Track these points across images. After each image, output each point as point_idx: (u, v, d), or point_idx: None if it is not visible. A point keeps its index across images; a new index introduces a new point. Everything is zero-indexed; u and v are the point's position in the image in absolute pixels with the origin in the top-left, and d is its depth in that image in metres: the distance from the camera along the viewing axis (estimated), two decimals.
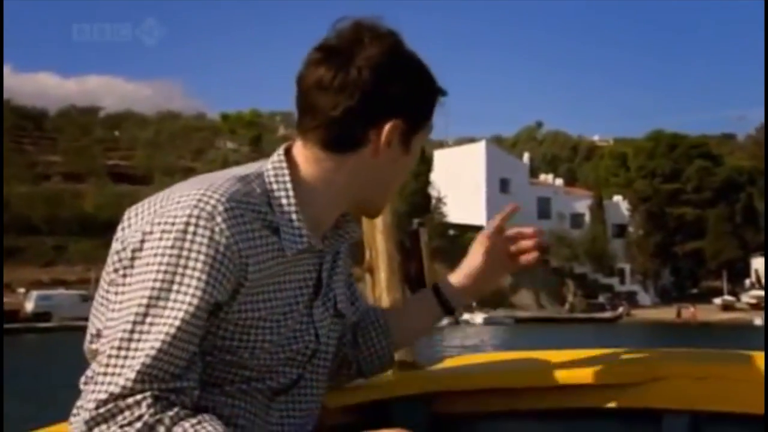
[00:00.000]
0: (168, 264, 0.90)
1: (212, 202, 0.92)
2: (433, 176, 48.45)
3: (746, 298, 51.12)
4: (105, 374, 0.89)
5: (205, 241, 0.90)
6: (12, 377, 11.40)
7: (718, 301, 51.00)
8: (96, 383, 0.89)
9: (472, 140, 55.92)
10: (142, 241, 0.92)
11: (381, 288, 1.35)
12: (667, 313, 48.01)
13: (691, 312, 47.04)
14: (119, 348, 0.89)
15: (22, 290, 36.21)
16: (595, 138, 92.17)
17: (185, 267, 0.90)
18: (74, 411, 1.01)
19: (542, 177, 62.26)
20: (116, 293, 0.94)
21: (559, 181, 61.43)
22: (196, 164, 52.43)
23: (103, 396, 0.88)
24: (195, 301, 0.90)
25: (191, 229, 0.91)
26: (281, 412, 1.04)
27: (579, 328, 35.63)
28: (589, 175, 66.85)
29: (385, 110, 0.99)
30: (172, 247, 0.90)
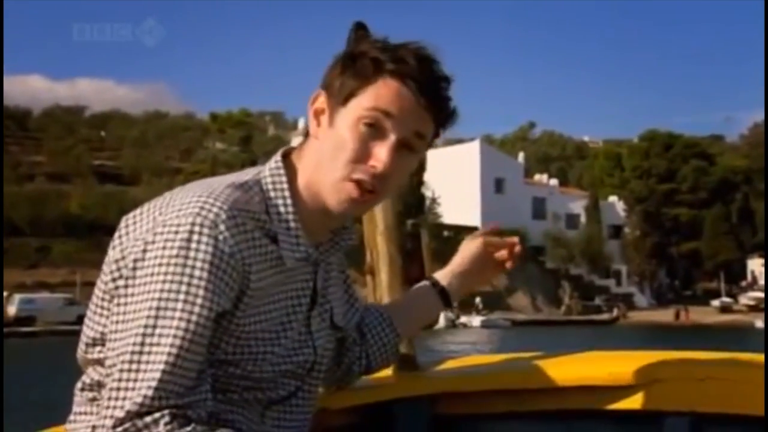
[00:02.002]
0: (173, 273, 0.91)
1: (215, 210, 0.93)
2: (427, 176, 48.52)
3: (744, 299, 51.37)
4: (119, 389, 0.90)
5: (210, 249, 0.91)
6: None
7: (716, 303, 51.25)
8: (110, 398, 0.90)
9: (460, 141, 55.91)
10: (144, 251, 0.93)
11: (382, 290, 1.38)
12: (664, 315, 48.22)
13: (684, 313, 47.33)
14: (131, 362, 0.90)
15: (4, 293, 35.96)
16: (585, 139, 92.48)
17: (191, 276, 0.91)
18: (71, 417, 1.03)
19: (537, 177, 62.43)
20: (118, 304, 0.95)
21: (554, 181, 61.61)
22: (184, 164, 52.27)
23: (120, 414, 0.89)
24: (204, 312, 0.91)
25: (195, 237, 0.91)
26: (274, 421, 1.06)
27: (576, 330, 35.73)
28: (583, 176, 67.09)
29: (320, 86, 1.02)
30: (177, 255, 0.91)
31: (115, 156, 57.06)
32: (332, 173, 0.98)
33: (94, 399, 1.01)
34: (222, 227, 0.92)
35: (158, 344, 0.90)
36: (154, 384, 0.88)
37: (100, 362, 0.99)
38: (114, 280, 0.96)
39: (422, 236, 1.41)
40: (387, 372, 1.33)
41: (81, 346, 1.02)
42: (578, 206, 57.49)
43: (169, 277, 0.91)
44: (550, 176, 63.75)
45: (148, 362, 0.89)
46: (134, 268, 0.93)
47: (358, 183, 0.98)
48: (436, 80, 1.00)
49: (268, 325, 0.99)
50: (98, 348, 0.99)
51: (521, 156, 60.22)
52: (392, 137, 0.98)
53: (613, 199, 58.79)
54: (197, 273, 0.91)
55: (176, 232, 0.92)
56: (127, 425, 0.88)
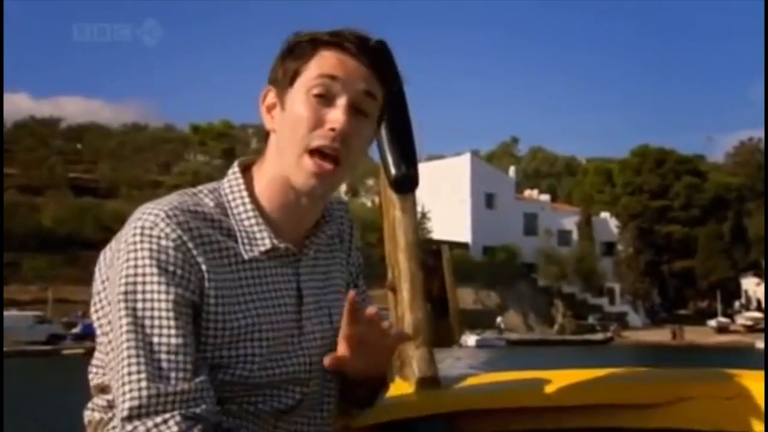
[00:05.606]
0: (127, 276, 0.99)
1: (155, 212, 1.02)
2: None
3: (741, 320, 51.62)
4: (120, 392, 0.97)
5: (154, 246, 1.00)
6: None
7: (712, 323, 51.45)
8: (117, 407, 0.97)
9: (441, 157, 56.13)
10: (110, 267, 1.04)
11: (404, 307, 1.41)
12: (660, 335, 48.38)
13: (679, 333, 47.56)
14: (122, 369, 0.97)
15: None
16: (568, 156, 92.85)
17: (143, 275, 0.99)
18: None
19: (527, 192, 62.69)
20: (107, 332, 1.04)
21: (546, 197, 61.90)
22: (164, 177, 51.93)
23: (125, 413, 0.95)
24: (162, 305, 0.98)
25: (138, 239, 1.00)
26: None
27: (572, 350, 35.68)
28: (573, 192, 67.39)
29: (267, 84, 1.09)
30: (127, 260, 1.00)
31: (91, 169, 56.64)
32: (292, 150, 1.03)
33: (101, 421, 1.07)
34: (162, 225, 1.00)
35: (139, 339, 0.97)
36: (144, 376, 0.95)
37: (102, 388, 1.06)
38: (96, 311, 1.06)
39: (443, 253, 1.45)
40: (409, 389, 1.36)
41: (89, 376, 1.10)
42: (570, 222, 57.74)
43: (124, 281, 0.99)
44: (541, 192, 64.05)
45: (131, 359, 0.97)
46: (109, 290, 1.04)
47: (319, 151, 1.02)
48: (374, 43, 1.07)
49: (249, 323, 1.02)
50: (99, 375, 1.08)
51: (512, 171, 60.49)
52: (343, 99, 1.03)
53: (605, 215, 59.11)
54: (148, 270, 0.99)
55: (126, 242, 1.01)
56: (136, 423, 0.94)
